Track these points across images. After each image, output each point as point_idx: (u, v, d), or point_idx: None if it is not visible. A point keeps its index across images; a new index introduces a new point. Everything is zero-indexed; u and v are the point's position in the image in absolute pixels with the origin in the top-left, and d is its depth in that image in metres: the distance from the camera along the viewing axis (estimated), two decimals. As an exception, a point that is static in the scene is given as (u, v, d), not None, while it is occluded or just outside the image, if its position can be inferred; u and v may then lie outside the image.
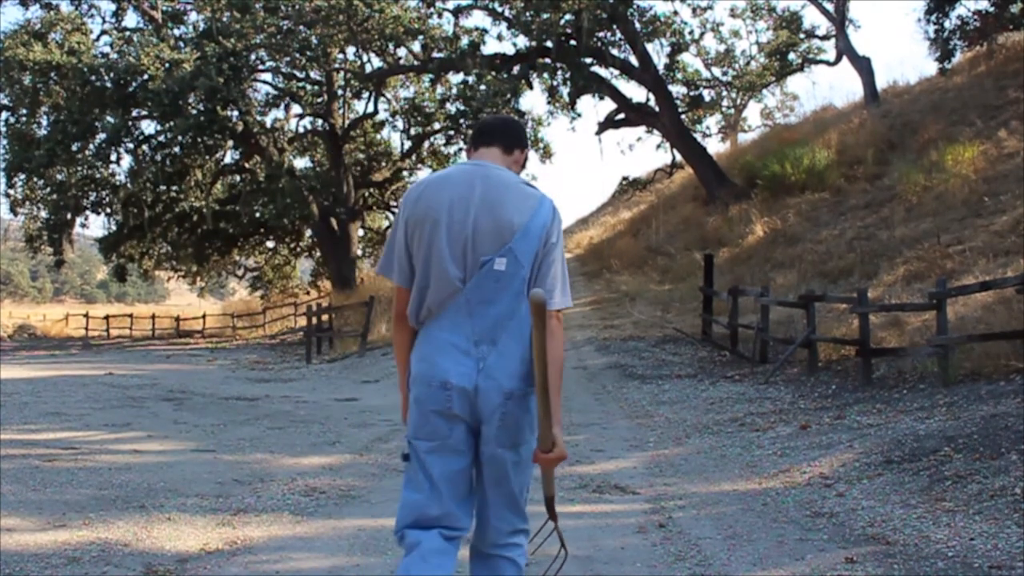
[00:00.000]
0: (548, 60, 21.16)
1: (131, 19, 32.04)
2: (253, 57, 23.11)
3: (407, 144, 27.37)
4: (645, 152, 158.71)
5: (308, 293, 31.69)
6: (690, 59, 30.37)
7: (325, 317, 20.15)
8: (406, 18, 21.18)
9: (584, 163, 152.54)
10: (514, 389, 2.32)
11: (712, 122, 28.92)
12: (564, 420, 2.80)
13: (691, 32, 23.57)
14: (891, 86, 23.59)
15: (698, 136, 23.77)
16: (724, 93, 30.38)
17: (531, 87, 22.18)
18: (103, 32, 26.27)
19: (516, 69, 21.37)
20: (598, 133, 23.30)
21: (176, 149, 24.64)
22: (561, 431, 2.36)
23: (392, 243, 2.42)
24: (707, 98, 25.41)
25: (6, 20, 69.60)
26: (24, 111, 23.96)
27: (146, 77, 21.26)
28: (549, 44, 20.18)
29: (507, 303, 2.31)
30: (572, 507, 4.87)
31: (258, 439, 7.94)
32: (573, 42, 20.57)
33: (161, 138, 24.70)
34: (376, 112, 26.92)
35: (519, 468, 2.38)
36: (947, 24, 16.97)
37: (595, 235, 26.23)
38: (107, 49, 24.73)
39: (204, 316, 35.47)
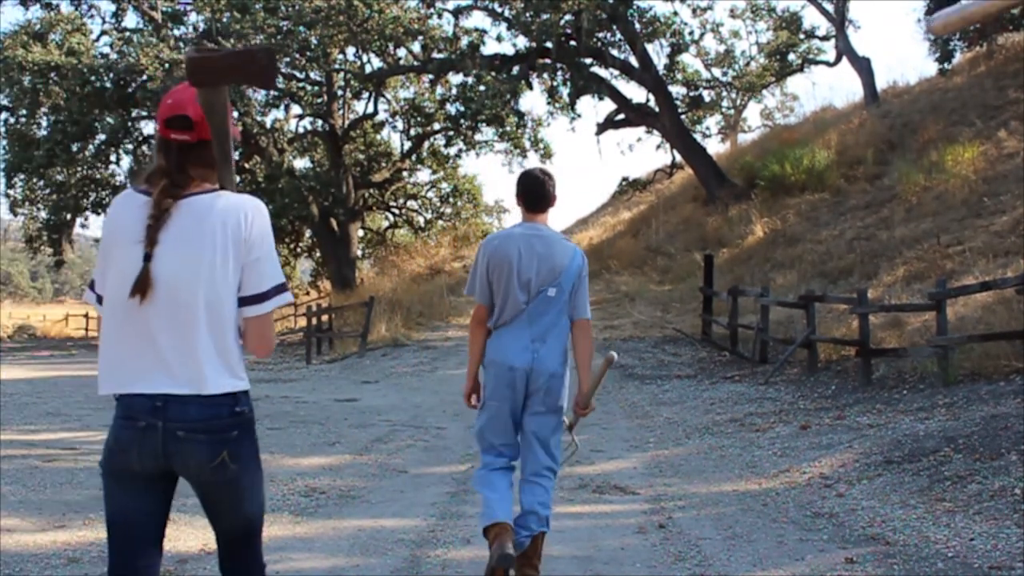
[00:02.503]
0: (548, 60, 21.14)
1: (131, 19, 32.08)
2: (253, 57, 23.07)
3: (407, 144, 27.36)
4: (645, 152, 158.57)
5: (308, 293, 31.65)
6: (690, 59, 30.34)
7: (325, 317, 20.13)
8: (406, 18, 21.16)
9: (584, 163, 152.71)
10: (555, 371, 3.57)
11: (712, 122, 28.87)
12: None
13: (691, 32, 23.53)
14: (891, 86, 23.58)
15: (698, 136, 23.75)
16: (724, 93, 30.32)
17: (531, 87, 22.16)
18: (103, 32, 26.24)
19: (516, 69, 21.36)
20: (598, 133, 23.29)
21: (176, 149, 24.61)
22: (593, 397, 3.71)
23: (475, 275, 3.68)
24: (707, 98, 25.36)
25: (6, 20, 69.54)
26: (24, 112, 23.93)
27: (145, 78, 21.25)
28: (549, 44, 20.17)
29: (554, 316, 3.60)
30: (572, 507, 4.87)
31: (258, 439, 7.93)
32: (573, 42, 20.56)
33: (161, 138, 24.69)
34: (376, 112, 26.91)
35: (554, 424, 3.62)
36: (947, 24, 16.95)
37: (595, 235, 26.21)
38: (107, 49, 24.71)
39: (204, 316, 35.42)
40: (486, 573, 3.51)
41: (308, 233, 28.92)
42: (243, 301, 2.07)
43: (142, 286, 1.97)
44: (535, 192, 3.65)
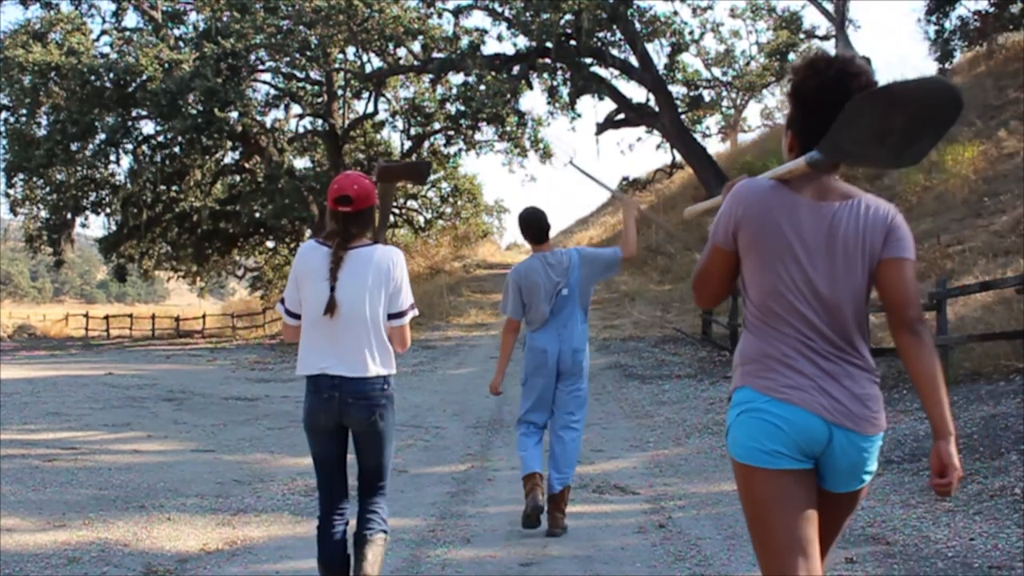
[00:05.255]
0: (548, 60, 21.14)
1: (131, 19, 32.05)
2: (253, 57, 23.08)
3: (407, 144, 27.34)
4: (645, 152, 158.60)
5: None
6: (690, 59, 30.32)
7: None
8: (406, 18, 21.16)
9: (584, 163, 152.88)
10: (578, 346, 4.76)
11: (712, 122, 28.88)
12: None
13: (691, 32, 23.52)
14: (891, 86, 23.50)
15: (698, 136, 23.73)
16: (724, 93, 30.30)
17: (531, 87, 22.16)
18: (103, 32, 26.23)
19: (516, 69, 21.36)
20: (598, 133, 23.28)
21: (175, 149, 24.62)
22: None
23: (507, 297, 4.83)
24: (707, 98, 25.36)
25: (6, 20, 69.59)
26: (24, 111, 23.92)
27: (145, 77, 21.24)
28: (549, 44, 20.16)
29: (571, 308, 4.77)
30: (572, 507, 4.87)
31: (258, 439, 7.95)
32: (573, 42, 20.56)
33: (160, 138, 24.69)
34: (376, 112, 26.88)
35: (581, 387, 4.82)
36: (947, 24, 16.99)
37: (595, 235, 26.24)
38: (107, 49, 24.69)
39: (204, 316, 35.49)
40: (523, 516, 4.61)
41: (308, 233, 28.89)
42: (391, 316, 3.18)
43: (331, 307, 3.07)
44: (536, 228, 4.80)
